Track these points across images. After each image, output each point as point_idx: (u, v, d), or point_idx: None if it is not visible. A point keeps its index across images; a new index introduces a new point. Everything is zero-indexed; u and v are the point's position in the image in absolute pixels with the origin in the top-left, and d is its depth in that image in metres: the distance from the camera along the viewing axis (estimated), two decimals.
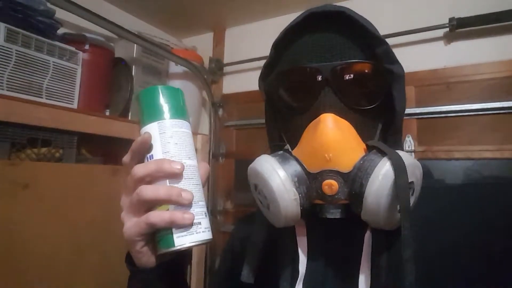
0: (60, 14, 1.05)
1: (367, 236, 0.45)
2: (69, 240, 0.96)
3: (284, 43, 0.49)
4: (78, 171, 1.02)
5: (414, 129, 1.26)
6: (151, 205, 0.39)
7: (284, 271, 0.47)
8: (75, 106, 1.09)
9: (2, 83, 0.91)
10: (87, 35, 1.18)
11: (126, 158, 0.41)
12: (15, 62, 0.93)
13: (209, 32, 1.81)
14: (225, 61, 1.74)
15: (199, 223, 0.39)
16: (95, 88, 1.20)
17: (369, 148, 0.43)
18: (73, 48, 1.08)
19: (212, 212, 1.63)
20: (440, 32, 1.26)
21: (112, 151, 1.18)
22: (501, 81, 1.16)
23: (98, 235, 1.02)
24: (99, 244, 1.02)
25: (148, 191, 0.38)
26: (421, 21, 1.26)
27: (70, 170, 1.00)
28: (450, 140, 1.21)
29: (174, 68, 1.53)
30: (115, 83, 1.32)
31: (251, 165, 0.45)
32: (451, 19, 1.19)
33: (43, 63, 1.00)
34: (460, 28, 1.19)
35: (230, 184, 1.67)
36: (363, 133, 0.44)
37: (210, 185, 1.64)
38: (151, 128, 0.40)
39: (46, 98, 1.01)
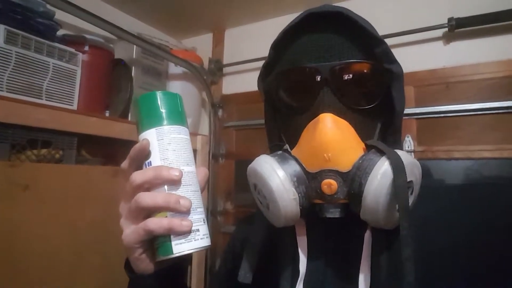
0: (60, 15, 1.05)
1: (367, 235, 0.45)
2: (69, 241, 0.96)
3: (283, 43, 0.49)
4: (78, 172, 1.02)
5: (414, 129, 1.26)
6: (149, 212, 0.39)
7: (284, 271, 0.48)
8: (75, 107, 1.09)
9: (2, 84, 0.91)
10: (87, 36, 1.18)
11: (124, 165, 0.42)
12: (14, 63, 0.93)
13: (209, 33, 1.82)
14: (225, 61, 1.74)
15: (198, 230, 0.39)
16: (95, 89, 1.20)
17: (368, 148, 0.43)
18: (72, 50, 1.08)
19: (212, 213, 1.63)
20: (439, 32, 1.26)
21: (112, 152, 1.18)
22: (500, 81, 1.16)
23: (98, 236, 1.02)
24: (99, 245, 1.02)
25: (146, 198, 0.38)
26: (420, 21, 1.26)
27: (70, 171, 1.00)
28: (449, 140, 1.21)
29: (174, 69, 1.53)
30: (115, 84, 1.32)
31: (250, 165, 0.46)
32: (450, 19, 1.20)
33: (43, 64, 1.00)
34: (459, 28, 1.19)
35: (230, 185, 1.67)
36: (362, 132, 0.44)
37: (210, 186, 1.64)
38: (149, 135, 0.40)
39: (46, 100, 1.01)
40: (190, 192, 0.40)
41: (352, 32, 0.45)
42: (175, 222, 0.37)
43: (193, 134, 1.51)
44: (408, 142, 1.25)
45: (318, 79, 0.44)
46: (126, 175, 0.41)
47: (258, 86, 0.54)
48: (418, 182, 0.42)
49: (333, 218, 0.43)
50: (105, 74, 1.26)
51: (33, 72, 0.97)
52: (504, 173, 1.12)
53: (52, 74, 1.02)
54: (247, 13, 1.61)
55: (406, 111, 1.23)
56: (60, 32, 1.11)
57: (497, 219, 0.47)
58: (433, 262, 0.44)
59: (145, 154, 0.40)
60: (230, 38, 1.77)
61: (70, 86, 1.08)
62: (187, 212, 0.38)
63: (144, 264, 0.42)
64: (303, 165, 0.43)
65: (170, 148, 0.40)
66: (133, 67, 1.34)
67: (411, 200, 0.41)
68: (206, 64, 1.70)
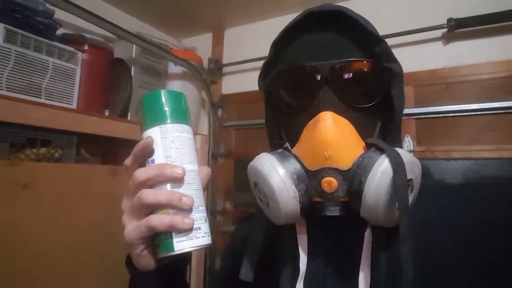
0: (59, 14, 1.05)
1: (367, 233, 0.45)
2: (69, 240, 0.96)
3: (284, 42, 0.49)
4: (77, 171, 1.02)
5: (413, 129, 1.26)
6: (151, 209, 0.39)
7: (285, 269, 0.48)
8: (74, 106, 1.09)
9: (1, 83, 0.91)
10: (86, 35, 1.18)
11: (127, 162, 0.42)
12: (14, 62, 0.93)
13: (208, 33, 1.82)
14: (224, 61, 1.74)
15: (199, 228, 0.39)
16: (94, 88, 1.20)
17: (368, 146, 0.43)
18: (72, 49, 1.08)
19: (212, 212, 1.63)
20: (438, 33, 1.26)
21: (112, 151, 1.18)
22: (499, 81, 1.16)
23: (97, 235, 1.02)
24: (99, 243, 1.02)
25: (149, 195, 0.38)
26: (419, 22, 1.27)
27: (70, 170, 1.00)
28: (449, 140, 1.21)
29: (173, 68, 1.53)
30: (114, 84, 1.32)
31: (250, 163, 0.46)
32: (449, 20, 1.20)
33: (42, 63, 1.00)
34: (458, 28, 1.19)
35: (230, 184, 1.67)
36: (362, 131, 0.44)
37: (210, 186, 1.64)
38: (153, 133, 0.41)
39: (45, 99, 1.01)
40: (192, 190, 0.40)
41: (352, 31, 0.45)
42: (177, 219, 0.37)
43: (193, 134, 1.51)
44: (408, 142, 1.25)
45: (318, 77, 0.44)
46: (129, 172, 0.41)
47: (258, 85, 0.54)
48: (418, 180, 0.42)
49: (333, 216, 0.43)
50: (105, 73, 1.26)
51: (32, 71, 0.97)
52: (503, 173, 1.13)
53: (51, 73, 1.02)
54: (246, 13, 1.61)
55: (406, 111, 1.23)
56: (60, 31, 1.11)
57: (496, 219, 0.48)
58: (432, 261, 0.44)
59: (149, 151, 0.40)
60: (230, 37, 1.77)
61: (69, 85, 1.08)
62: (189, 210, 0.39)
63: (146, 261, 0.42)
64: (303, 163, 0.43)
65: (174, 146, 0.40)
66: (132, 67, 1.34)
67: (411, 198, 0.41)
68: (205, 63, 1.70)
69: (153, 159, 0.40)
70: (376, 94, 0.45)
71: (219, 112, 1.72)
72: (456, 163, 1.19)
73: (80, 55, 1.11)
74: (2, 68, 0.91)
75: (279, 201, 0.42)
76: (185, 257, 0.48)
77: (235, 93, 1.70)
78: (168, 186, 0.39)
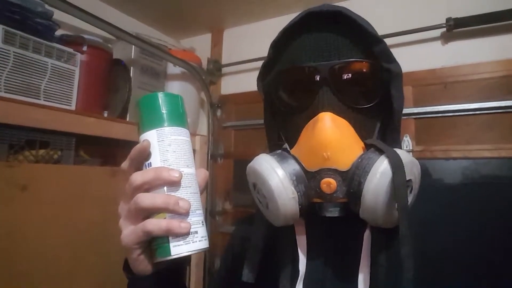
0: (58, 15, 1.05)
1: (366, 234, 0.45)
2: (68, 241, 0.96)
3: (283, 42, 0.49)
4: (76, 173, 1.02)
5: (412, 129, 1.26)
6: (148, 213, 0.39)
7: (284, 271, 0.47)
8: (73, 107, 1.09)
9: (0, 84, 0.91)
10: (85, 36, 1.18)
11: (124, 165, 0.42)
12: (13, 63, 0.93)
13: (207, 33, 1.82)
14: (223, 62, 1.74)
15: (196, 232, 0.39)
16: (93, 89, 1.20)
17: (367, 147, 0.43)
18: (71, 50, 1.08)
19: (211, 213, 1.63)
20: (437, 32, 1.26)
21: (110, 153, 1.18)
22: (498, 81, 1.16)
23: (96, 236, 1.02)
24: (98, 245, 1.02)
25: (146, 199, 0.38)
26: (418, 21, 1.27)
27: (68, 171, 1.00)
28: (448, 139, 1.22)
29: (172, 69, 1.53)
30: (113, 85, 1.32)
31: (249, 164, 0.46)
32: (448, 19, 1.20)
33: (41, 64, 1.00)
34: (457, 28, 1.20)
35: (229, 185, 1.67)
36: (362, 131, 0.44)
37: (209, 186, 1.64)
38: (150, 136, 0.40)
39: (44, 100, 1.01)
40: (189, 194, 0.40)
41: (351, 31, 0.45)
42: (174, 223, 0.37)
43: (192, 134, 1.51)
44: (407, 142, 1.25)
45: (317, 78, 0.44)
46: (126, 175, 0.41)
47: (257, 86, 0.54)
48: (417, 181, 0.42)
49: (332, 217, 0.43)
50: (104, 74, 1.26)
51: (31, 72, 0.97)
52: (502, 172, 1.13)
53: (50, 74, 1.02)
54: (245, 13, 1.61)
55: (405, 111, 1.22)
56: (59, 32, 1.11)
57: (496, 219, 0.47)
58: (432, 261, 0.44)
59: (146, 155, 0.40)
60: (229, 38, 1.77)
61: (68, 86, 1.08)
62: (186, 214, 0.39)
63: (143, 265, 0.42)
64: (302, 164, 0.43)
65: (171, 150, 0.40)
66: (131, 67, 1.34)
67: (410, 198, 0.41)
68: (204, 64, 1.70)
69: (150, 163, 0.40)
70: (375, 95, 0.45)
71: (218, 113, 1.71)
72: (455, 163, 1.19)
73: (79, 56, 1.11)
74: (0, 69, 0.90)
75: (278, 202, 0.42)
76: (184, 260, 0.48)
77: (234, 93, 1.70)
78: (165, 189, 0.39)
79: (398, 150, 0.40)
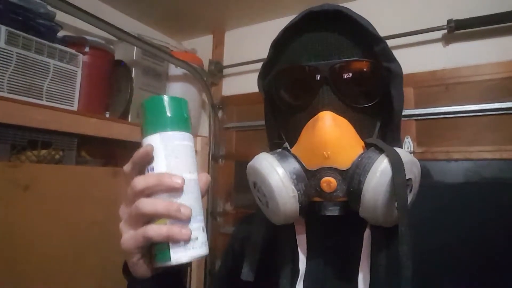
0: (61, 16, 1.06)
1: (366, 233, 0.45)
2: (69, 242, 0.96)
3: (283, 42, 0.49)
4: (78, 173, 1.02)
5: (413, 130, 1.26)
6: (149, 218, 0.39)
7: (284, 270, 0.47)
8: (75, 108, 1.10)
9: (2, 85, 0.91)
10: (87, 37, 1.19)
11: (126, 168, 0.41)
12: (15, 64, 0.93)
13: (209, 35, 1.82)
14: (225, 63, 1.75)
15: (196, 239, 0.39)
16: (95, 90, 1.21)
17: (367, 146, 0.43)
18: (73, 51, 1.09)
19: (212, 214, 1.63)
20: (438, 34, 1.27)
21: (112, 153, 1.19)
22: (499, 82, 1.16)
23: (98, 236, 1.02)
24: (99, 245, 1.02)
25: (147, 205, 0.38)
26: (419, 23, 1.27)
27: (70, 172, 1.00)
28: (449, 141, 1.21)
29: (174, 70, 1.53)
30: (115, 85, 1.33)
31: (250, 163, 0.46)
32: (449, 21, 1.20)
33: (44, 65, 1.00)
34: (458, 29, 1.20)
35: (230, 186, 1.67)
36: (362, 130, 0.44)
37: (210, 187, 1.64)
38: (153, 140, 0.40)
39: (46, 100, 1.01)
40: (191, 200, 0.39)
41: (351, 31, 0.45)
42: (175, 230, 0.37)
43: (193, 136, 1.52)
44: (408, 143, 1.25)
45: (318, 77, 0.44)
46: (128, 179, 0.40)
47: (258, 85, 0.54)
48: (417, 180, 0.42)
49: (332, 216, 0.43)
50: (105, 75, 1.26)
51: (33, 73, 0.98)
52: (504, 174, 1.13)
53: (52, 75, 1.02)
54: (247, 15, 1.62)
55: (406, 112, 1.24)
56: (61, 33, 1.12)
57: (496, 220, 0.47)
58: (432, 261, 0.44)
59: (148, 159, 0.40)
60: (230, 39, 1.77)
61: (70, 87, 1.08)
62: (187, 220, 0.38)
63: (142, 269, 0.42)
64: (303, 162, 0.43)
65: (173, 155, 0.40)
66: (133, 69, 1.35)
67: (410, 197, 0.41)
68: (206, 65, 1.71)
69: (153, 167, 0.40)
70: (375, 94, 0.45)
71: (220, 114, 1.72)
72: (456, 164, 1.19)
73: (81, 57, 1.12)
74: (3, 70, 0.91)
75: (278, 201, 0.42)
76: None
77: (235, 94, 1.71)
78: (167, 195, 0.39)
79: (398, 149, 0.40)
